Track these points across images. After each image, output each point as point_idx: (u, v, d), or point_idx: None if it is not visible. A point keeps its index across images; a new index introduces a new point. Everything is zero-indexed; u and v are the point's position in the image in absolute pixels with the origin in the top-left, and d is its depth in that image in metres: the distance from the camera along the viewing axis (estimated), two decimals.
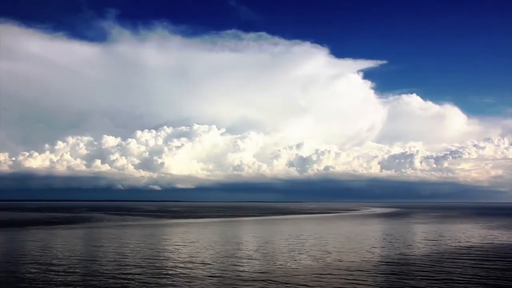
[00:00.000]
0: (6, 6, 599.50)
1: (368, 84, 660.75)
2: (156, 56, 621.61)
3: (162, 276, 26.36)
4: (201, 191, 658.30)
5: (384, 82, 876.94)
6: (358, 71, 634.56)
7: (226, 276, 26.50)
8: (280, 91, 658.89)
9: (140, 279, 25.56)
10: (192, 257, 34.51)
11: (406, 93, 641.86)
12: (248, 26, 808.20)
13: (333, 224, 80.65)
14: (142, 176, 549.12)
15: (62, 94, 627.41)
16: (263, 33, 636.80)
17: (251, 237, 52.10)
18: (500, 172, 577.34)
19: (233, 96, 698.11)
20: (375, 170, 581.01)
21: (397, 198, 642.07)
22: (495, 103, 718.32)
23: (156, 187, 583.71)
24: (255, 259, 33.65)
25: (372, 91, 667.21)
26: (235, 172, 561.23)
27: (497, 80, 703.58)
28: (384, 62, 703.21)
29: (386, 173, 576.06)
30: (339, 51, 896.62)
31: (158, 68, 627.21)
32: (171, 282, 24.70)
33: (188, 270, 28.43)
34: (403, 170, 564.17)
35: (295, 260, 32.86)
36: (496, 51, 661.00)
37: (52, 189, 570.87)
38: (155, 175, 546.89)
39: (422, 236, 54.26)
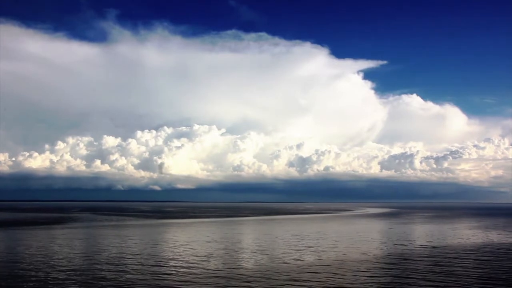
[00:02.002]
0: (6, 6, 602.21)
1: (368, 84, 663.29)
2: (156, 56, 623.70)
3: (103, 274, 26.67)
4: (201, 191, 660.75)
5: (384, 82, 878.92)
6: (358, 71, 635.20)
7: (177, 275, 26.76)
8: (281, 91, 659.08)
9: (76, 275, 25.89)
10: (151, 256, 34.79)
11: (407, 93, 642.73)
12: (248, 27, 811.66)
13: (316, 225, 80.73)
14: (142, 176, 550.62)
15: (62, 94, 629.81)
16: (263, 34, 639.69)
17: (223, 237, 52.30)
18: (500, 172, 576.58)
19: (233, 96, 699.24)
20: (375, 170, 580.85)
21: (397, 198, 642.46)
22: (496, 103, 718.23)
23: (156, 187, 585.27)
24: (212, 258, 33.86)
25: (372, 91, 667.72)
26: (235, 172, 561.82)
27: (498, 80, 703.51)
28: (384, 62, 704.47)
29: (386, 173, 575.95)
30: (339, 52, 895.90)
31: (158, 68, 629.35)
32: (115, 277, 25.01)
33: (142, 267, 28.71)
34: (403, 170, 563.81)
35: (251, 259, 33.14)
36: (496, 51, 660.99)
37: (52, 190, 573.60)
38: (155, 175, 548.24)
39: (395, 236, 54.33)
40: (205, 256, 34.69)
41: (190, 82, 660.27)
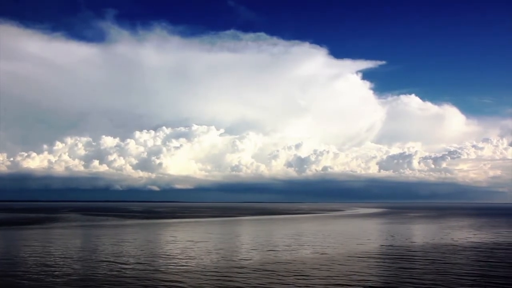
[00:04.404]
0: (5, 7, 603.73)
1: (367, 84, 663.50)
2: (155, 56, 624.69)
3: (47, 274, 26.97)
4: (199, 191, 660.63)
5: (383, 83, 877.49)
6: (357, 72, 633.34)
7: (124, 271, 27.07)
8: (279, 91, 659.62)
9: (23, 276, 26.18)
10: (106, 254, 35.06)
11: (405, 93, 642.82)
12: (247, 27, 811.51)
13: (296, 225, 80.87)
14: (140, 176, 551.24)
15: (61, 94, 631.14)
16: (262, 34, 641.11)
17: (189, 238, 52.54)
18: (498, 172, 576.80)
19: (232, 96, 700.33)
20: (373, 170, 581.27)
21: (395, 198, 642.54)
22: (494, 104, 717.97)
23: (155, 188, 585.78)
24: (164, 258, 34.16)
25: (371, 92, 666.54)
26: (233, 172, 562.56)
27: (496, 80, 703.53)
28: (383, 62, 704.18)
29: (384, 174, 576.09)
30: (338, 52, 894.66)
31: (157, 69, 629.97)
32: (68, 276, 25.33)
33: (84, 262, 29.02)
34: (401, 170, 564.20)
35: (196, 259, 33.44)
36: (495, 51, 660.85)
37: (51, 190, 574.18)
38: (153, 176, 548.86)
39: (364, 235, 54.51)
40: (158, 255, 35.02)
41: (189, 82, 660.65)
